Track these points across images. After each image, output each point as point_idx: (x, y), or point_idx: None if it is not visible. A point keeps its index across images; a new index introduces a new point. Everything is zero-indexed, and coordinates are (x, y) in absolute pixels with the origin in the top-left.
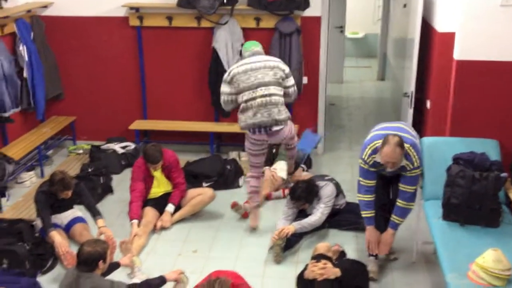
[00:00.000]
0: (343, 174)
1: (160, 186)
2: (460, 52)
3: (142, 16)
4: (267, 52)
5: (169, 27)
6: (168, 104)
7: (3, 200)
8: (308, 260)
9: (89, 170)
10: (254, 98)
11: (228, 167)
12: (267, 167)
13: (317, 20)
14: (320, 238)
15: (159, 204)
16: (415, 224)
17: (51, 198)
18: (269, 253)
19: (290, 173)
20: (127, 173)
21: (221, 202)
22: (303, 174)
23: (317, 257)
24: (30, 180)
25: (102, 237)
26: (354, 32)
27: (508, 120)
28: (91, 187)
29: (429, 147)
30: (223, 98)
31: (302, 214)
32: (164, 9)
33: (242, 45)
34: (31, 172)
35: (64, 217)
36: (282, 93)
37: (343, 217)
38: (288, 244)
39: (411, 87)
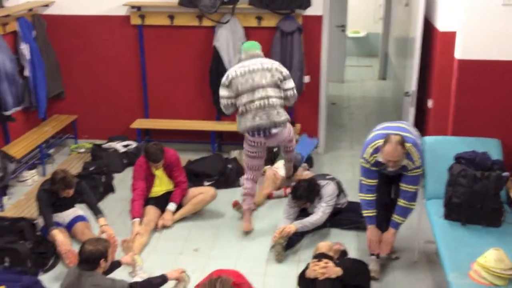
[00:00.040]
0: (344, 174)
1: (161, 185)
2: (461, 51)
3: (144, 14)
4: (269, 51)
5: (171, 26)
6: (170, 103)
7: (5, 198)
8: (310, 259)
9: (91, 168)
10: (252, 101)
11: (230, 166)
12: (268, 166)
13: (318, 19)
14: (322, 237)
15: (161, 203)
16: (417, 223)
17: (52, 197)
18: (270, 252)
19: (289, 176)
20: (128, 172)
21: (222, 201)
22: (304, 173)
23: (319, 256)
24: (32, 179)
25: (104, 236)
26: (356, 31)
27: (510, 119)
28: (92, 186)
29: (430, 146)
30: (222, 102)
31: (303, 213)
32: (165, 8)
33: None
34: (33, 171)
35: (65, 216)
36: (280, 95)
37: (344, 216)
38: (289, 243)
39: (413, 86)
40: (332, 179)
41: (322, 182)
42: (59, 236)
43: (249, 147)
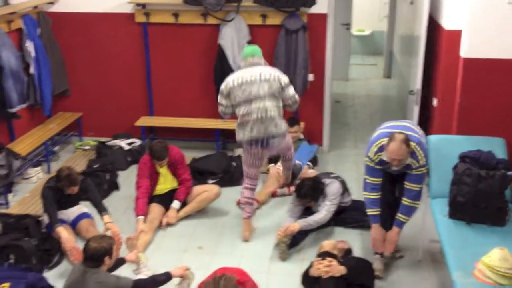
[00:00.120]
0: (348, 172)
1: (166, 182)
2: (467, 50)
3: (148, 12)
4: (273, 49)
5: (175, 23)
6: (174, 101)
7: (10, 195)
8: (314, 257)
9: (95, 166)
10: (250, 113)
11: (234, 164)
12: (272, 165)
13: (323, 17)
14: (326, 235)
15: (165, 200)
16: (421, 222)
17: (57, 194)
18: (274, 250)
19: (287, 184)
20: (133, 169)
21: (226, 199)
22: (309, 172)
23: (323, 255)
24: (37, 176)
25: (108, 233)
26: (360, 30)
27: None
28: (97, 183)
29: (435, 145)
30: (220, 108)
31: (307, 211)
32: (170, 5)
33: (248, 42)
34: (38, 168)
35: (70, 213)
36: (279, 105)
37: (348, 215)
38: (293, 242)
39: (417, 85)
40: (337, 177)
41: (326, 181)
42: (64, 233)
43: (247, 156)
